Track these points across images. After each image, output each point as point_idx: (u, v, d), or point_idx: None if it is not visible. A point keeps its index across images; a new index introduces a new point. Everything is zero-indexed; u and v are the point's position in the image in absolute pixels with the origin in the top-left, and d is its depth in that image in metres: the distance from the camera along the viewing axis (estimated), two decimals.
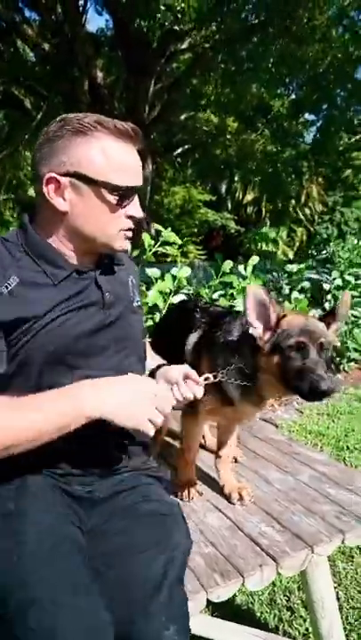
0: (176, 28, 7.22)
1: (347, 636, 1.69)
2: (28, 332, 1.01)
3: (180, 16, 6.39)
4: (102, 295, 1.11)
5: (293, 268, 4.90)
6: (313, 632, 1.57)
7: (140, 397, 1.00)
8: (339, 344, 4.53)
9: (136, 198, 1.08)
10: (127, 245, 1.12)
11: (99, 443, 1.09)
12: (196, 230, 23.29)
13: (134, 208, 1.07)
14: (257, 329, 1.25)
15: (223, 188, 25.24)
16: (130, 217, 1.07)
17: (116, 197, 1.03)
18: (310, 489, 1.54)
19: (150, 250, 3.24)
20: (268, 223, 21.51)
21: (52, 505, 1.03)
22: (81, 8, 9.16)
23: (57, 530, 0.97)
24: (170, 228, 3.37)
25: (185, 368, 1.21)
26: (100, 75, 10.24)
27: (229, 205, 25.95)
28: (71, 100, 9.86)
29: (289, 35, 7.98)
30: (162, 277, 3.41)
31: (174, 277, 3.53)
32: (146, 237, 3.25)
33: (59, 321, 1.03)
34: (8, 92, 11.32)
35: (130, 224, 1.08)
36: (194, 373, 1.20)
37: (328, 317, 1.31)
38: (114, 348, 1.12)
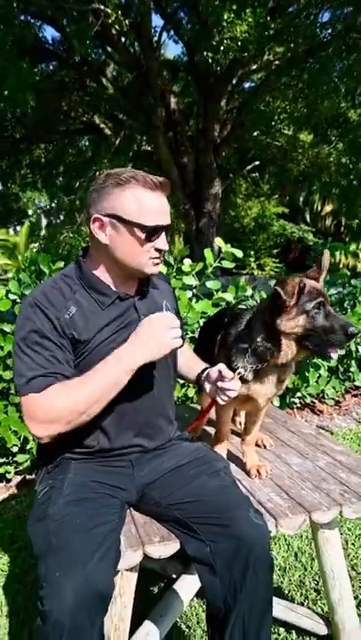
0: (242, 55, 7.52)
1: (358, 605, 1.85)
2: (84, 349, 1.35)
3: (242, 45, 6.71)
4: (139, 317, 1.43)
5: (358, 282, 4.95)
6: (326, 602, 1.75)
7: (156, 334, 1.30)
8: None
9: (163, 234, 1.37)
10: (156, 270, 1.42)
11: (138, 425, 1.45)
12: (272, 243, 23.21)
13: (161, 242, 1.36)
14: (288, 301, 1.49)
15: (301, 201, 24.94)
16: (157, 249, 1.37)
17: (144, 234, 1.32)
18: (324, 472, 1.73)
19: (211, 265, 3.53)
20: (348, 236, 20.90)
21: (90, 488, 1.34)
22: (155, 44, 9.88)
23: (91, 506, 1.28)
24: (229, 245, 3.59)
25: (219, 366, 1.53)
26: (173, 101, 10.89)
27: (307, 217, 25.55)
28: (147, 126, 10.55)
29: (357, 48, 7.99)
30: (223, 289, 3.70)
31: (237, 288, 3.81)
32: (208, 254, 3.53)
33: (106, 342, 1.37)
34: (90, 120, 12.37)
35: (157, 254, 1.38)
36: (224, 369, 1.50)
37: (313, 273, 1.60)
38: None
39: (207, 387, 1.56)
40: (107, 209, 1.33)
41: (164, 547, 1.32)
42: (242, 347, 1.62)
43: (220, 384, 1.49)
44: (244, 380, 1.61)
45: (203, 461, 1.47)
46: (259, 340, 1.58)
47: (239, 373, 1.57)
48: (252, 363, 1.60)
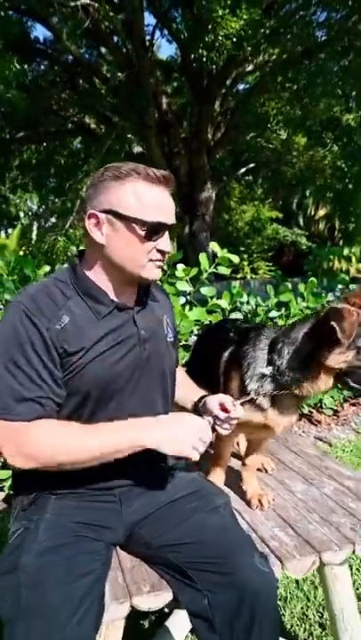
0: (236, 53, 7.39)
1: None
2: (75, 364, 1.16)
3: (237, 43, 6.57)
4: (138, 332, 1.26)
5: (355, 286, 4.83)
6: None
7: (188, 433, 1.16)
8: None
9: (166, 234, 1.21)
10: (157, 275, 1.25)
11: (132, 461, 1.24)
12: (266, 247, 23.14)
13: (163, 242, 1.21)
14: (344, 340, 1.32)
15: (294, 204, 24.90)
16: (159, 251, 1.21)
17: (144, 231, 1.17)
18: (331, 501, 1.57)
19: (206, 271, 3.36)
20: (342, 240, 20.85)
21: (69, 532, 1.16)
22: (148, 43, 9.74)
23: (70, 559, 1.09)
24: (225, 250, 3.43)
25: (220, 397, 1.36)
26: (165, 102, 10.75)
27: (301, 221, 25.51)
28: (140, 127, 10.39)
29: (354, 50, 7.91)
30: (218, 296, 3.53)
31: (231, 294, 3.64)
32: (202, 258, 3.36)
33: (100, 358, 1.18)
34: (81, 121, 12.19)
35: (159, 256, 1.21)
36: (227, 400, 1.33)
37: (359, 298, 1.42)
38: (144, 382, 1.27)
39: (206, 418, 1.37)
40: (103, 204, 1.18)
41: (155, 597, 1.16)
42: (261, 371, 1.45)
43: (221, 415, 1.31)
44: (260, 408, 1.45)
45: (199, 495, 1.30)
46: (285, 366, 1.42)
47: (253, 399, 1.41)
48: (271, 389, 1.43)
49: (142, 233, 1.17)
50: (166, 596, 1.16)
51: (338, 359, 1.34)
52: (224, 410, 1.33)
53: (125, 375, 1.22)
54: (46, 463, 1.12)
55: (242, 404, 1.36)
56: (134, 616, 1.53)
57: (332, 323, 1.30)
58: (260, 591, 1.08)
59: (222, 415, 1.32)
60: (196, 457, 1.16)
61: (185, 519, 1.23)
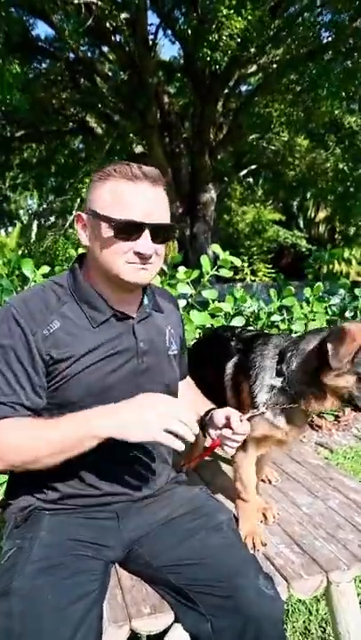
0: (241, 54, 7.35)
1: None
2: (64, 372, 1.11)
3: (242, 43, 6.52)
4: (136, 343, 1.20)
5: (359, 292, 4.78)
6: None
7: (148, 411, 1.03)
8: None
9: (145, 234, 1.11)
10: (141, 278, 1.15)
11: (124, 467, 1.21)
12: (266, 249, 23.10)
13: (141, 244, 1.10)
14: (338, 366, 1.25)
15: (295, 206, 24.87)
16: (137, 253, 1.11)
17: (113, 230, 1.09)
18: (338, 515, 1.52)
19: (208, 273, 3.30)
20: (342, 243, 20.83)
21: (64, 553, 1.09)
22: (151, 42, 9.72)
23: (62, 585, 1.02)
24: (227, 252, 3.38)
25: (227, 411, 1.27)
26: (168, 102, 10.72)
27: (301, 223, 25.47)
28: (141, 127, 10.36)
29: (358, 51, 7.88)
30: (220, 299, 3.47)
31: (235, 299, 3.58)
32: (204, 261, 3.31)
33: (92, 368, 1.13)
34: (83, 120, 12.15)
35: (136, 258, 1.12)
36: (234, 414, 1.25)
37: None
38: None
39: (212, 433, 1.30)
40: (88, 204, 1.16)
41: (156, 620, 1.10)
42: (271, 383, 1.39)
43: (226, 432, 1.23)
44: (277, 427, 1.39)
45: (201, 513, 1.24)
46: (293, 377, 1.35)
47: (262, 413, 1.35)
48: (281, 402, 1.37)
49: (110, 232, 1.09)
50: (167, 618, 1.11)
51: (336, 382, 1.27)
52: (229, 425, 1.24)
53: (120, 388, 1.15)
54: (10, 464, 1.08)
55: (249, 419, 1.29)
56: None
57: (328, 344, 1.23)
58: (265, 617, 1.03)
59: (227, 432, 1.24)
60: (176, 443, 1.02)
61: (185, 538, 1.17)
